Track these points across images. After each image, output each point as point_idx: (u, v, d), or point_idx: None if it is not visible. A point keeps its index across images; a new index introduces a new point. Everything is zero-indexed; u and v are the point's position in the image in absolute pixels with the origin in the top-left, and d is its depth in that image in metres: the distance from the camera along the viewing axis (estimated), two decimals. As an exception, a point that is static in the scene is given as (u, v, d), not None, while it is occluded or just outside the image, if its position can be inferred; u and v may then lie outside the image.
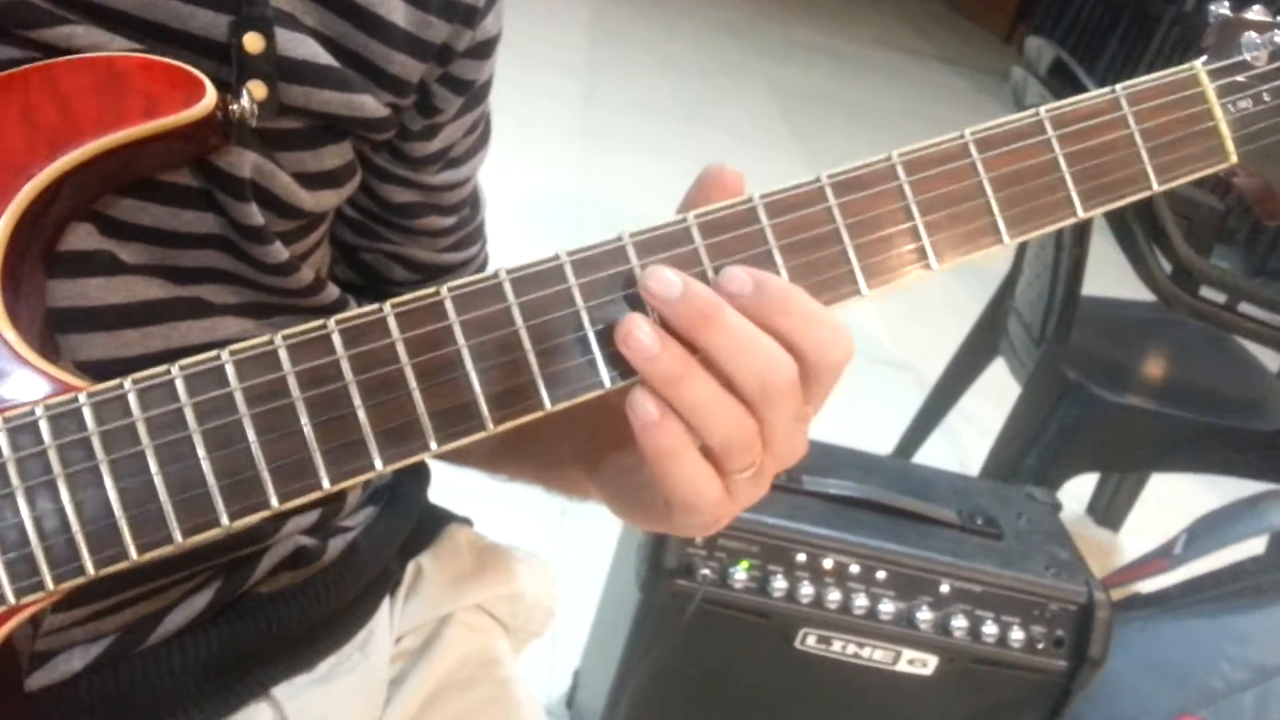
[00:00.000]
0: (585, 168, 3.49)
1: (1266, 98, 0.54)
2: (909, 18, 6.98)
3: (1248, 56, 0.54)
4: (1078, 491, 2.27)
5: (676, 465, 0.46)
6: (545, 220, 3.00)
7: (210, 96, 0.48)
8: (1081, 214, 0.51)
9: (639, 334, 0.45)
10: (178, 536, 0.44)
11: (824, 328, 0.46)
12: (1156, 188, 0.52)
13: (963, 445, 2.45)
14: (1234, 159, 0.54)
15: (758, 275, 0.46)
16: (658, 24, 5.37)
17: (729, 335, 0.45)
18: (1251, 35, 0.54)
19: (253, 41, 0.50)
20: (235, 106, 0.50)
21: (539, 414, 0.46)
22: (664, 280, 0.45)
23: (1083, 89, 1.48)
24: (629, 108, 4.15)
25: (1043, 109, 0.50)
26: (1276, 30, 0.54)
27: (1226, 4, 0.55)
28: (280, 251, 0.56)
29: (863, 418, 2.37)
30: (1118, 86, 0.52)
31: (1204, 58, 0.54)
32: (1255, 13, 0.55)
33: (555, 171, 3.39)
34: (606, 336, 0.46)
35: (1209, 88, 0.53)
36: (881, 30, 6.49)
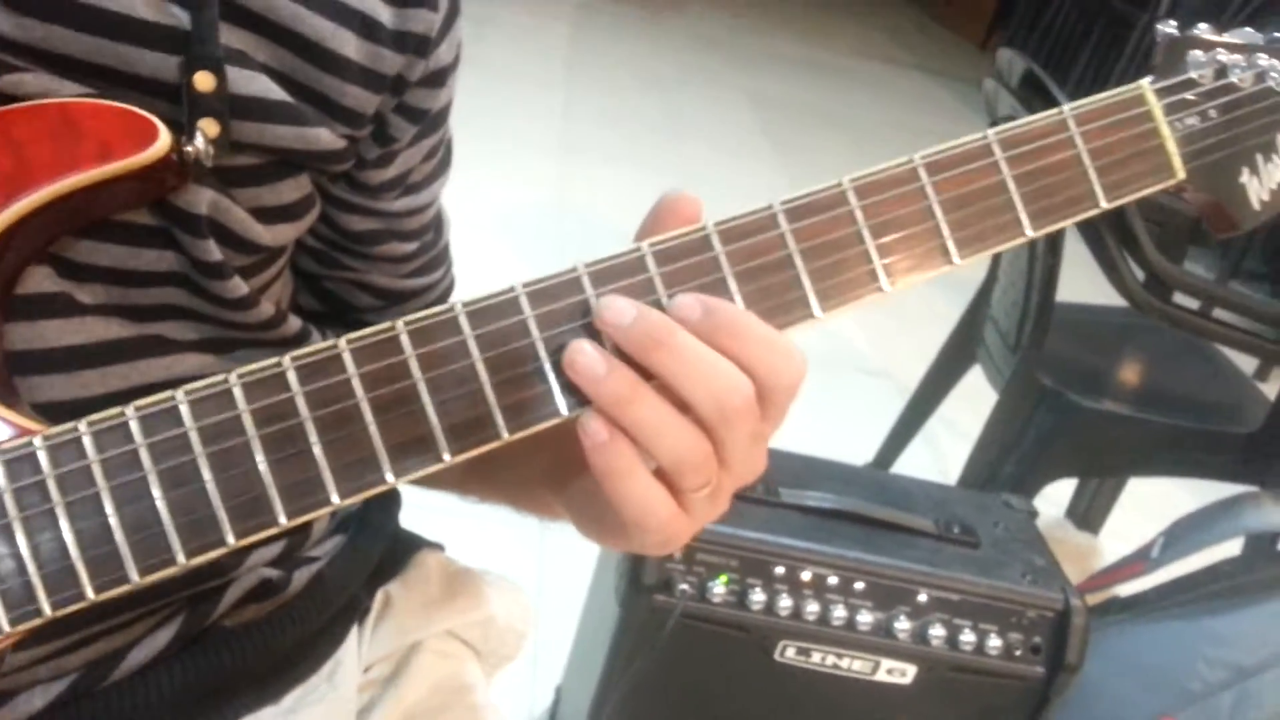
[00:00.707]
0: (564, 182, 3.49)
1: (1213, 114, 0.55)
2: (887, 27, 6.99)
3: (1194, 74, 0.55)
4: (1057, 496, 2.28)
5: (626, 485, 0.46)
6: (524, 235, 3.00)
7: (163, 138, 0.48)
8: (1030, 234, 0.51)
9: (583, 358, 0.45)
10: (134, 576, 0.44)
11: (774, 352, 0.46)
12: (1105, 205, 0.53)
13: (942, 452, 2.46)
14: (1181, 175, 0.54)
15: (707, 300, 0.46)
16: (636, 37, 5.37)
17: (681, 358, 0.45)
18: (1197, 54, 0.55)
19: (203, 80, 0.50)
20: (190, 147, 0.50)
21: (496, 444, 0.46)
22: (617, 309, 0.46)
23: (1054, 100, 1.49)
24: (608, 121, 4.15)
25: (991, 132, 0.51)
26: (1220, 48, 0.55)
27: (1174, 23, 0.55)
28: (239, 286, 0.56)
29: (843, 426, 2.37)
30: (1065, 107, 0.52)
31: (1151, 77, 0.55)
32: (1201, 31, 0.55)
33: (534, 186, 3.39)
34: (562, 366, 0.46)
35: (1155, 106, 0.54)
36: (860, 40, 6.49)
